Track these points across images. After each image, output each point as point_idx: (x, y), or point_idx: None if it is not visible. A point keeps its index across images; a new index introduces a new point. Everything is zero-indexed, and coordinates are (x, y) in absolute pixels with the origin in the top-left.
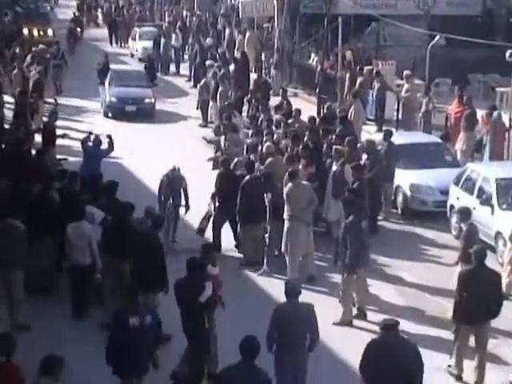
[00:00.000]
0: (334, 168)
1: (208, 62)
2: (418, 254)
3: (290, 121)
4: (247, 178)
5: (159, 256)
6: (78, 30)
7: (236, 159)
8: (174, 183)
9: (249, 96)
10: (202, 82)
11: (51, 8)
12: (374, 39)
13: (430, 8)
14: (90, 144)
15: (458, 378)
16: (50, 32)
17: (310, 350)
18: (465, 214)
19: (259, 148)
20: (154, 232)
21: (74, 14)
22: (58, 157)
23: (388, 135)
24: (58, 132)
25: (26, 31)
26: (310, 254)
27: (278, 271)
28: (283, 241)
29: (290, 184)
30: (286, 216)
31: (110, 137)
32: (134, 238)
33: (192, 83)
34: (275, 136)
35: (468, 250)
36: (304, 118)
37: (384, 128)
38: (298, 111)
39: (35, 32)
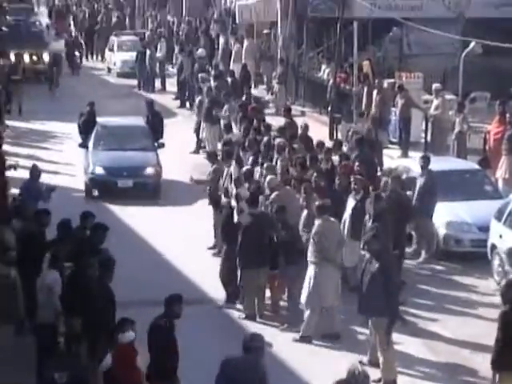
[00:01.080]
0: (352, 202)
1: (202, 75)
2: (453, 305)
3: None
4: (249, 212)
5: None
6: (77, 54)
7: (235, 191)
8: None
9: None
10: (197, 101)
11: (46, 26)
12: (397, 47)
13: (464, 9)
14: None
15: None
16: (45, 57)
17: None
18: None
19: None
20: (103, 281)
21: (70, 33)
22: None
23: (426, 162)
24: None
25: (12, 57)
26: (335, 307)
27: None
28: (306, 289)
29: (319, 221)
30: (312, 259)
31: (51, 189)
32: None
33: (179, 103)
34: (279, 163)
35: None
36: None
37: (421, 154)
38: (294, 136)
39: (26, 58)
